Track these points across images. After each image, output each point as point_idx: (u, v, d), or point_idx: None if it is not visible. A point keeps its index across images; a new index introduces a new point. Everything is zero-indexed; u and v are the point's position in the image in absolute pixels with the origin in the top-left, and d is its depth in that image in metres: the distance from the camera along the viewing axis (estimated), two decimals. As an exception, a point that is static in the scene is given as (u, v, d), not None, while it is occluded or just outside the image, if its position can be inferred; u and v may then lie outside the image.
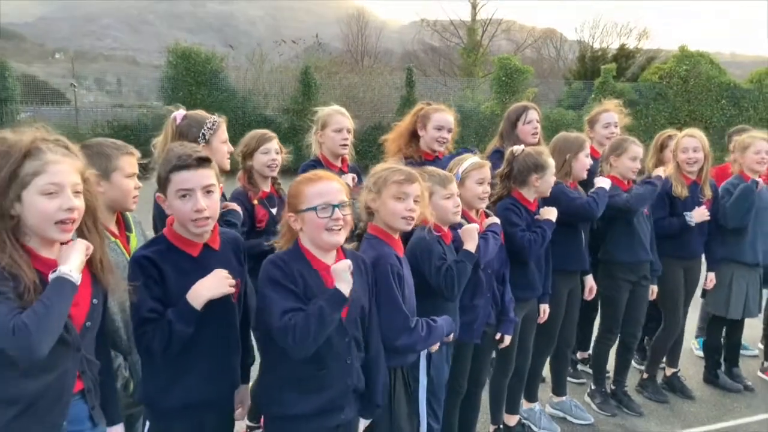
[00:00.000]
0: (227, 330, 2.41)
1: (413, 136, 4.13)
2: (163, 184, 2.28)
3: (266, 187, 3.81)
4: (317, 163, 3.81)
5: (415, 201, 2.72)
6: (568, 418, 4.43)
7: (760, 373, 5.25)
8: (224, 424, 2.51)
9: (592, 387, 4.68)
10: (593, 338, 4.86)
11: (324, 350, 2.31)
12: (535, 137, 4.31)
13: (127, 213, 2.69)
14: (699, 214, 4.44)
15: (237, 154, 3.70)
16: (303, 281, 2.31)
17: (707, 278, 4.78)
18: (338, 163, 3.93)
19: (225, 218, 2.96)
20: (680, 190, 4.45)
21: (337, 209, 2.32)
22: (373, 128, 17.21)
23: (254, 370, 2.72)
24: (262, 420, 3.95)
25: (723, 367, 5.09)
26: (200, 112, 3.28)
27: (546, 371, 4.61)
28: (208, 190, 2.27)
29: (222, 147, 3.23)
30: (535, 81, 23.14)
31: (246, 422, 3.93)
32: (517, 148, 3.76)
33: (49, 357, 1.81)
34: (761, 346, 5.55)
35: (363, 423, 2.62)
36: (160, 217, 2.72)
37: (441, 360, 3.14)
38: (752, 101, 20.61)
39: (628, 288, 4.39)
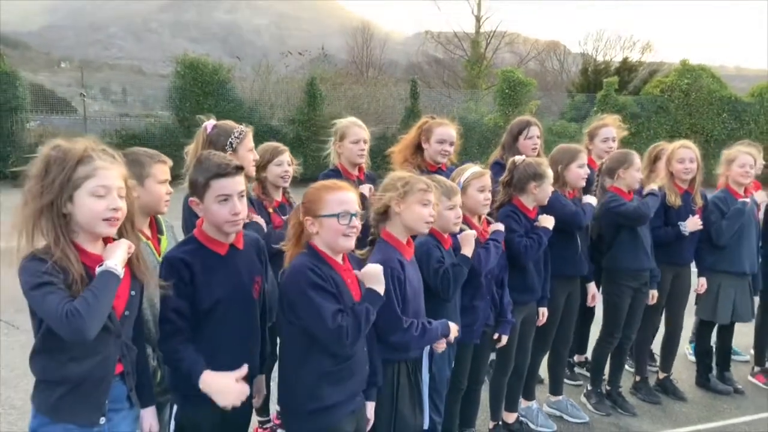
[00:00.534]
0: (249, 323, 2.65)
1: (418, 148, 4.30)
2: (200, 190, 2.49)
3: (278, 197, 4.01)
4: (336, 173, 3.98)
5: (433, 207, 2.98)
6: (565, 416, 4.56)
7: (750, 377, 5.40)
8: (244, 411, 2.70)
9: (589, 387, 4.81)
10: (590, 342, 5.05)
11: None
12: (535, 152, 4.46)
13: (159, 217, 2.88)
14: (692, 224, 4.62)
15: None
16: (334, 282, 2.53)
17: (699, 283, 4.93)
18: (355, 172, 4.11)
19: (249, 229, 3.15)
20: (674, 199, 4.64)
21: (354, 218, 2.56)
22: (378, 139, 17.19)
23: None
24: (272, 415, 4.20)
25: (715, 371, 5.23)
26: (228, 123, 3.46)
27: (544, 372, 4.80)
28: (241, 195, 2.51)
29: (248, 155, 3.41)
30: (538, 93, 23.05)
31: (256, 417, 4.10)
32: (519, 158, 3.96)
33: (93, 342, 2.03)
34: (753, 353, 5.70)
35: (370, 406, 2.84)
36: (190, 219, 2.93)
37: (443, 358, 3.32)
38: (753, 115, 20.53)
39: (630, 294, 4.53)
